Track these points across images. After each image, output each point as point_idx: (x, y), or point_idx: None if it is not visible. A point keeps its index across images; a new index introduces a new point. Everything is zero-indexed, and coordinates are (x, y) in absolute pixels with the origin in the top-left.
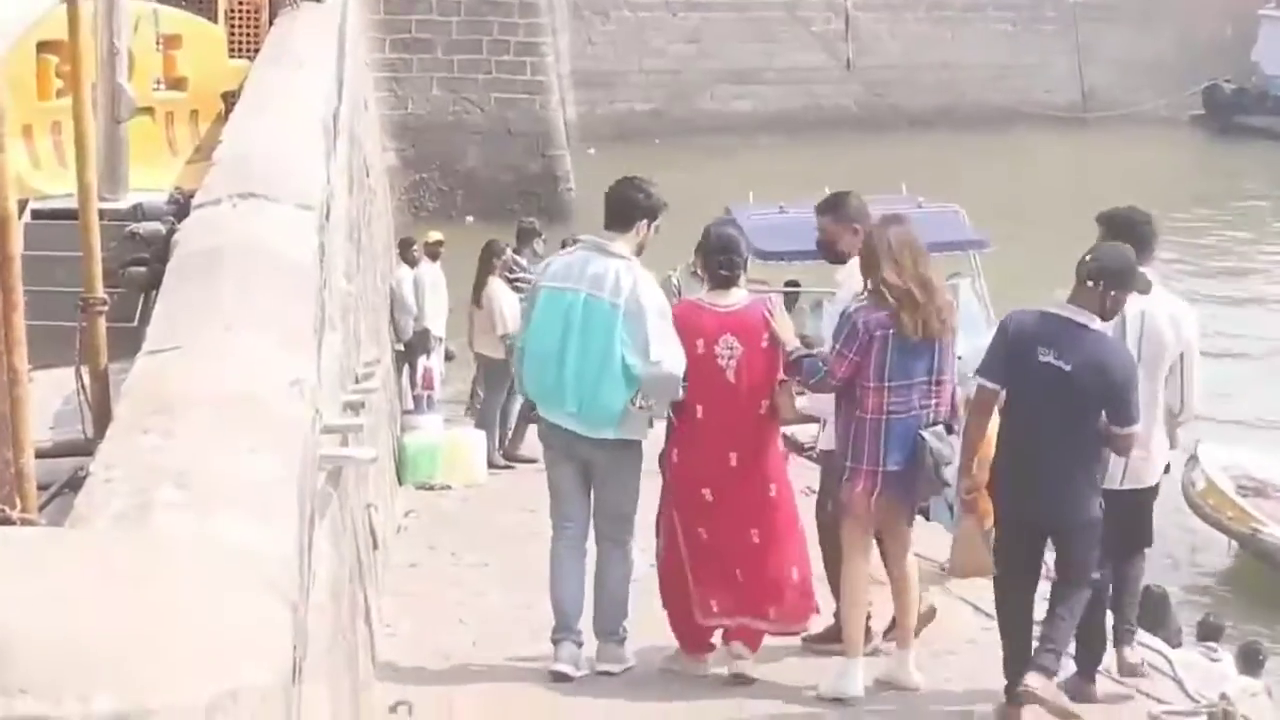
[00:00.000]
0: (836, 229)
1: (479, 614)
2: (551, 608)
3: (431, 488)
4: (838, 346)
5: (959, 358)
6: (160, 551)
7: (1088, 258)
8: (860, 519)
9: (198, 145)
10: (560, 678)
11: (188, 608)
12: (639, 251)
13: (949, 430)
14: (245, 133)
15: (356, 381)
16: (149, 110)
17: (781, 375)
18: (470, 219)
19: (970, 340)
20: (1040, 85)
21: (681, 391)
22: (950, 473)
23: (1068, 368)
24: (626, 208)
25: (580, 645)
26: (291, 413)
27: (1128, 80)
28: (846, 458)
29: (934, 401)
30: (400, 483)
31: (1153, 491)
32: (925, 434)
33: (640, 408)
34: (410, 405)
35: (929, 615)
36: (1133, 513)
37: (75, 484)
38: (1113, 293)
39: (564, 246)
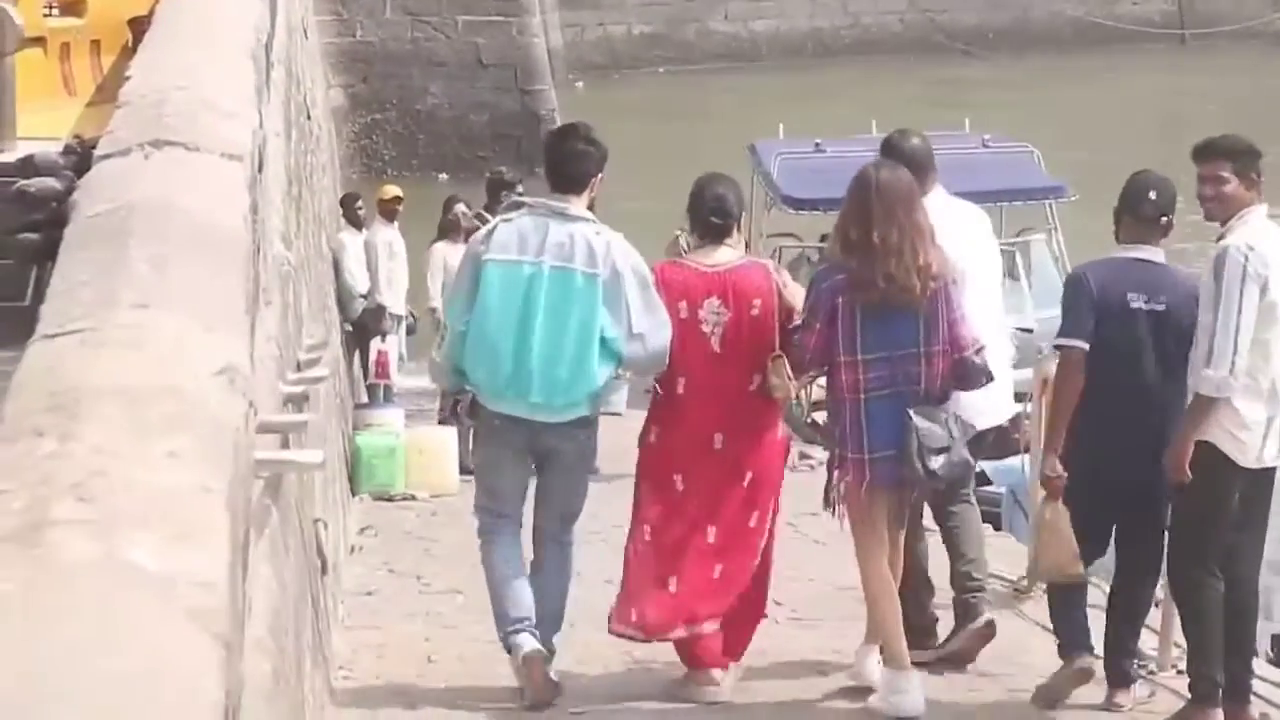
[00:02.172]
0: None
1: (450, 651)
2: (496, 607)
3: (391, 498)
4: (805, 316)
5: (1029, 330)
6: (59, 579)
7: (1152, 195)
8: (862, 515)
9: (100, 83)
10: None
11: (93, 648)
12: (590, 208)
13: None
14: (158, 67)
15: (299, 369)
16: (39, 41)
17: (777, 350)
18: (443, 176)
19: (1047, 308)
20: None
21: (665, 363)
22: (939, 463)
23: (1162, 308)
24: (580, 164)
25: (535, 633)
26: (219, 408)
27: None
28: (836, 447)
29: (923, 378)
30: (354, 493)
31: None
32: (913, 413)
33: (618, 377)
34: (364, 397)
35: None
36: (1268, 492)
37: None
38: (1167, 219)
39: (491, 210)
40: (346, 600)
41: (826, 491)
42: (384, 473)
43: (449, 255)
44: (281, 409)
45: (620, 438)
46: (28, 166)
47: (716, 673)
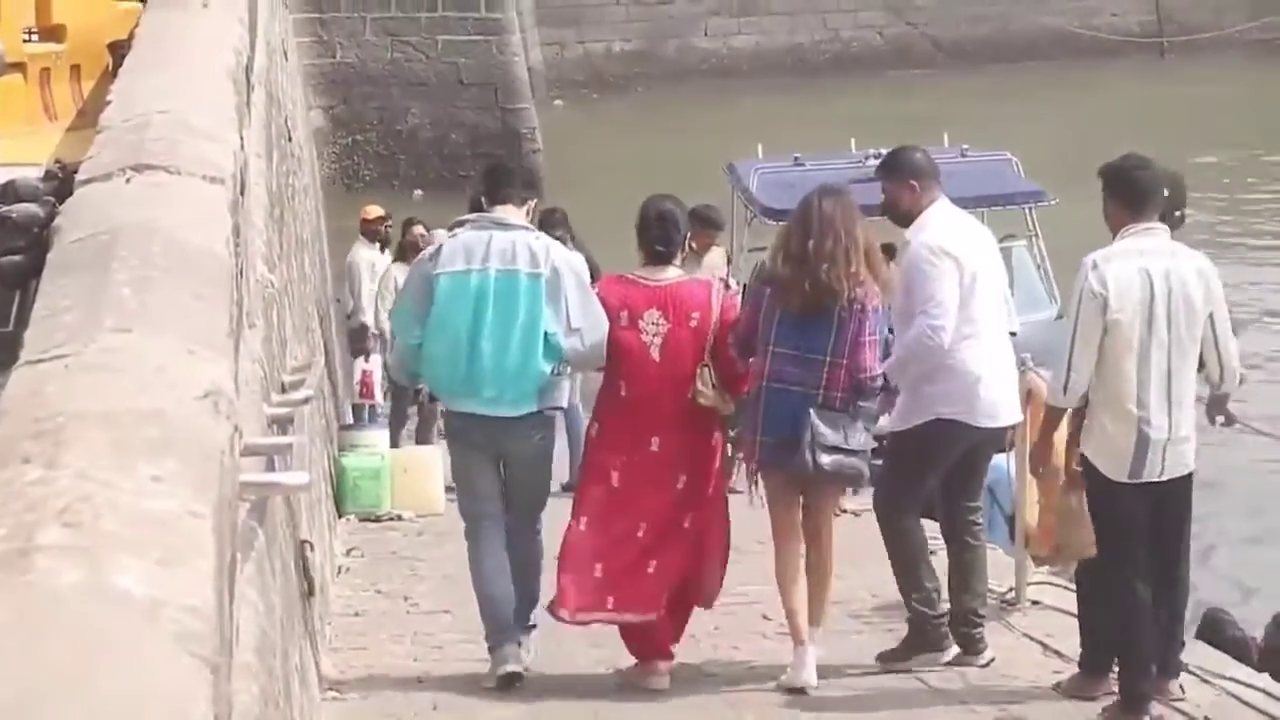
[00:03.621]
0: (894, 188)
1: (439, 671)
2: (481, 611)
3: (378, 519)
4: (742, 308)
5: (1013, 334)
6: (45, 605)
7: (1165, 193)
8: (772, 495)
9: (81, 108)
10: (512, 679)
11: (80, 674)
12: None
13: (856, 418)
14: (138, 91)
15: (283, 391)
16: (19, 66)
17: (705, 359)
18: (419, 193)
19: (1029, 313)
20: (1107, 7)
21: (603, 357)
22: (828, 460)
23: None
24: (510, 178)
25: (519, 643)
26: (204, 432)
27: None
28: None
29: (824, 383)
30: (340, 514)
31: (1191, 480)
32: (814, 412)
33: (557, 374)
34: (349, 418)
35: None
36: (1175, 505)
37: None
38: (1180, 213)
39: (450, 229)
40: (334, 622)
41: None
42: (369, 493)
43: (401, 277)
44: (266, 431)
45: None
46: (8, 192)
47: (662, 664)
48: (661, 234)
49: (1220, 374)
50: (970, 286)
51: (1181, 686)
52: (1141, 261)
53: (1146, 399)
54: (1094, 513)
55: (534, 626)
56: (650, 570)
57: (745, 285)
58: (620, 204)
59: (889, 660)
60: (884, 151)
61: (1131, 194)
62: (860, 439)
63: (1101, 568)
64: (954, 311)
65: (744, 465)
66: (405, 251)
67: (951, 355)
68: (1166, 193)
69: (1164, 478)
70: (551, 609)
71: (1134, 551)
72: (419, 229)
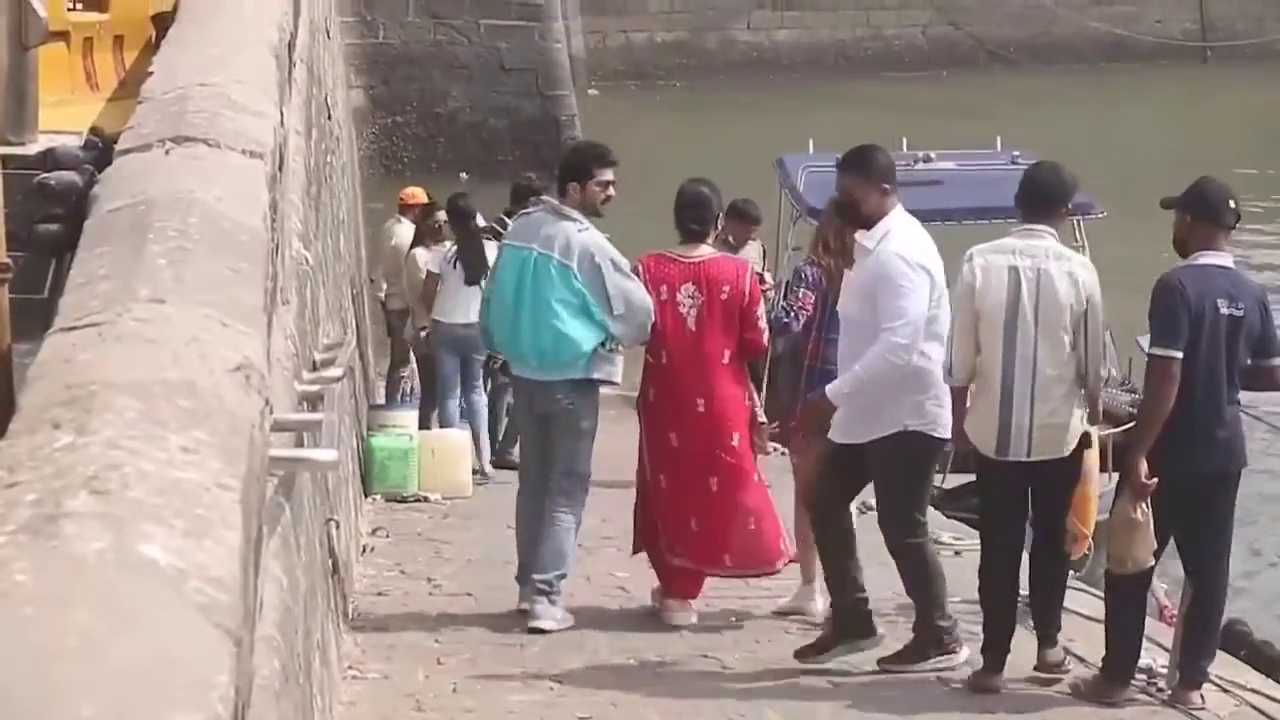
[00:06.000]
0: (862, 188)
1: (461, 653)
2: (519, 551)
3: (404, 500)
4: (801, 288)
5: None
6: (72, 572)
7: (1232, 203)
8: (803, 459)
9: (123, 78)
10: (535, 631)
11: (104, 641)
12: (590, 210)
13: None
14: (181, 63)
15: (314, 369)
16: (63, 35)
17: (761, 416)
18: (464, 175)
19: None
20: (1150, 13)
21: (650, 332)
22: None
23: (1240, 312)
24: (575, 170)
25: (551, 600)
26: (235, 405)
27: (1257, 6)
28: (788, 399)
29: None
30: (366, 493)
31: (1071, 464)
32: None
33: (610, 350)
34: (380, 398)
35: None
36: (1056, 487)
37: None
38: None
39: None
40: (357, 601)
41: (782, 436)
42: (397, 474)
43: (421, 260)
44: (297, 407)
45: (630, 444)
46: (48, 160)
47: (692, 602)
48: (695, 215)
49: (1085, 372)
50: (939, 300)
51: (1203, 696)
52: (1013, 259)
53: (1010, 383)
54: (976, 486)
55: (558, 595)
56: (751, 527)
57: (787, 282)
58: (655, 192)
59: (892, 663)
60: (933, 154)
61: (1024, 196)
62: None
63: (981, 540)
64: (921, 329)
65: (793, 434)
66: (424, 236)
67: (918, 368)
68: (1233, 203)
69: (1033, 458)
70: (671, 557)
71: (1002, 526)
72: (441, 215)
